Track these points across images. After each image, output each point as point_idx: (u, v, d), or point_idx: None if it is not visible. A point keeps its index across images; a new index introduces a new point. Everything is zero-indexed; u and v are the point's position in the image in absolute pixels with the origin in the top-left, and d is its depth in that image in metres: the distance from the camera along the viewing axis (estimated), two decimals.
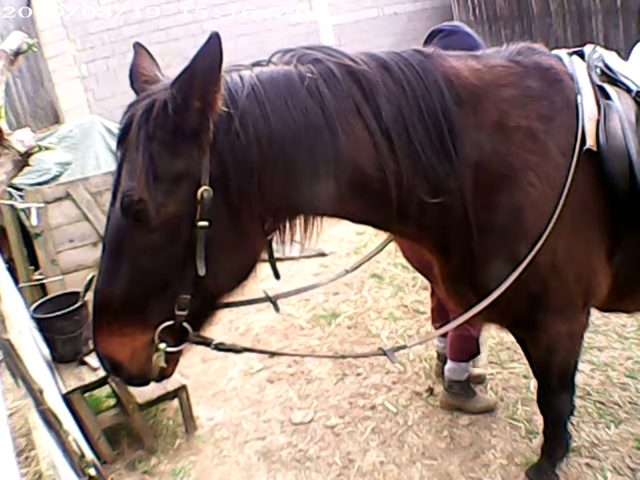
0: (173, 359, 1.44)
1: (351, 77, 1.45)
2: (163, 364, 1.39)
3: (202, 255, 1.29)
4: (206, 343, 1.46)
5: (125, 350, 1.37)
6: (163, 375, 1.46)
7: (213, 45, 1.20)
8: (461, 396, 2.78)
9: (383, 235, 1.93)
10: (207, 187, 1.28)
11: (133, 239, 1.30)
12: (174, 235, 1.30)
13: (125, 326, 1.35)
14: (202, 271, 1.29)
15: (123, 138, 1.34)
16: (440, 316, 2.85)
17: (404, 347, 1.74)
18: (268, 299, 1.70)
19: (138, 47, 1.50)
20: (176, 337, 1.38)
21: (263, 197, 1.36)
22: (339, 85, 1.42)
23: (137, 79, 1.45)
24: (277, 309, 1.70)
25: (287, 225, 1.48)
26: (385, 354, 1.64)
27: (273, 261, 1.58)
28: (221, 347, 1.48)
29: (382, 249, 1.98)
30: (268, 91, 1.36)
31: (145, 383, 1.48)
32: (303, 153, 1.38)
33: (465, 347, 2.71)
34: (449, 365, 2.79)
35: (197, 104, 1.25)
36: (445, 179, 1.53)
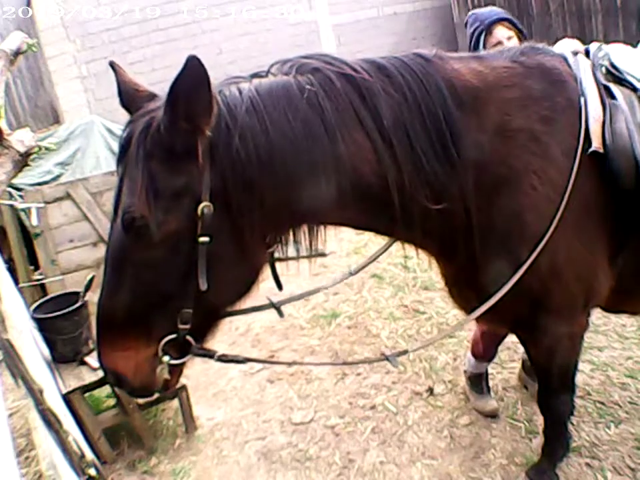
0: (176, 371, 1.46)
1: (351, 85, 1.44)
2: (166, 376, 1.41)
3: (203, 270, 1.30)
4: (209, 355, 1.46)
5: (129, 363, 1.38)
6: (167, 387, 1.47)
7: (192, 68, 1.20)
8: (473, 390, 2.83)
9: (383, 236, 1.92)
10: (207, 203, 1.28)
11: (134, 254, 1.31)
12: (175, 250, 1.31)
13: (128, 339, 1.36)
14: (203, 286, 1.30)
15: (123, 154, 1.35)
16: (484, 342, 2.77)
17: (405, 352, 1.73)
18: (272, 305, 1.69)
19: (115, 65, 1.49)
20: (179, 349, 1.40)
21: (264, 211, 1.36)
22: (339, 95, 1.42)
23: (132, 94, 1.45)
24: (280, 314, 1.70)
25: (291, 235, 1.49)
26: (387, 359, 1.64)
27: (276, 274, 1.58)
28: (223, 359, 1.49)
29: (386, 250, 1.97)
30: (267, 104, 1.35)
31: (148, 394, 1.49)
32: (305, 165, 1.37)
33: (486, 350, 2.75)
34: (469, 356, 2.84)
35: (185, 125, 1.25)
36: (447, 184, 1.52)
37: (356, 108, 1.43)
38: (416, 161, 1.47)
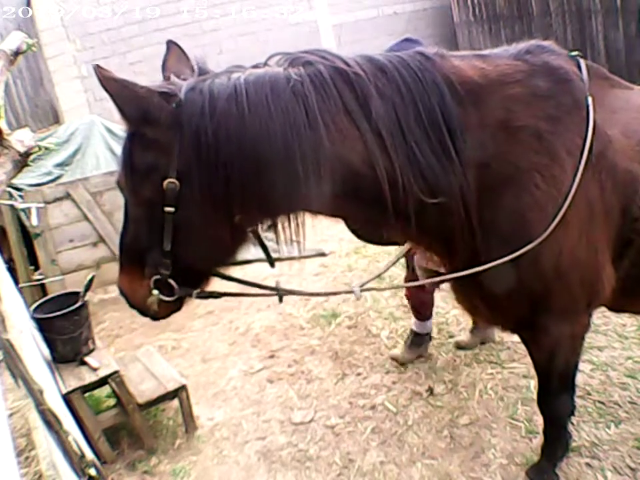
0: (164, 307, 1.68)
1: (342, 78, 1.46)
2: (155, 306, 1.66)
3: (169, 234, 1.51)
4: (188, 293, 1.67)
5: (130, 286, 1.68)
6: (155, 316, 1.73)
7: (102, 79, 1.38)
8: (415, 346, 3.25)
9: None
10: (172, 180, 1.45)
11: (128, 210, 1.61)
12: (150, 213, 1.53)
13: (131, 269, 1.66)
14: (167, 247, 1.53)
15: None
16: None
17: (374, 289, 1.94)
18: (275, 289, 1.78)
19: (170, 44, 1.66)
20: (166, 288, 1.62)
21: (230, 193, 1.45)
22: (327, 86, 1.44)
23: (167, 73, 1.59)
24: (280, 300, 1.78)
25: (273, 222, 1.55)
26: (352, 292, 1.82)
27: (267, 252, 1.69)
28: (201, 295, 1.70)
29: (391, 266, 2.01)
30: (250, 92, 1.41)
31: (143, 314, 1.76)
32: (280, 152, 1.41)
33: (423, 310, 3.20)
34: (413, 319, 3.27)
35: (131, 117, 1.45)
36: (444, 178, 1.52)
37: (344, 99, 1.45)
38: (409, 153, 1.48)
